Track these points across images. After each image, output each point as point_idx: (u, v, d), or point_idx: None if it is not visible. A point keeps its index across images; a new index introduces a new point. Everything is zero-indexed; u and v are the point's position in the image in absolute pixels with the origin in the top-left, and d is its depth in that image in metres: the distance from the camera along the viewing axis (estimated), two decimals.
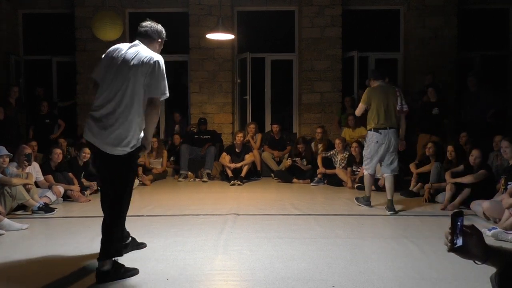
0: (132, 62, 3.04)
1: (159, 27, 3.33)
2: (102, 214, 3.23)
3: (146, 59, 3.04)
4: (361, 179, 7.14)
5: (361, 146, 7.49)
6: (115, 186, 3.10)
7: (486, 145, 6.43)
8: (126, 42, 3.52)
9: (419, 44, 9.11)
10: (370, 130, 5.48)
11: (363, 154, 5.72)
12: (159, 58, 3.10)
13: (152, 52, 3.16)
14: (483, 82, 8.24)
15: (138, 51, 3.11)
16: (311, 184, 7.68)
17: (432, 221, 4.98)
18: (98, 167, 3.55)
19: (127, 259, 3.49)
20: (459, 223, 1.55)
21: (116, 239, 3.13)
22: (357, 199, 5.87)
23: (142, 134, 3.16)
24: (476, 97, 7.87)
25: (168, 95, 3.11)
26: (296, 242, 3.98)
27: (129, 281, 3.03)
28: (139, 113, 3.06)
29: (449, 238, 1.54)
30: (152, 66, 3.02)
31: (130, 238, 3.74)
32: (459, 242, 1.54)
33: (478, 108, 7.80)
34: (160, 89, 3.06)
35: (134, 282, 3.02)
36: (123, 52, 3.12)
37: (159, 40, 3.31)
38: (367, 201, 5.68)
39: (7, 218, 4.56)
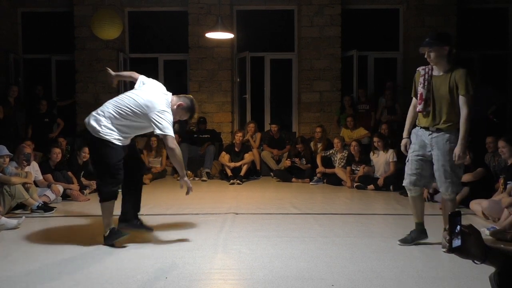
0: None
1: None
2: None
3: None
4: (360, 178, 7.18)
5: (360, 145, 7.52)
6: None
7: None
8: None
9: (419, 43, 9.04)
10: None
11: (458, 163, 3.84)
12: None
13: None
14: (482, 80, 8.24)
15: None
16: (311, 183, 7.68)
17: (431, 220, 4.95)
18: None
19: (126, 258, 3.50)
20: (457, 223, 1.55)
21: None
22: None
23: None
24: (476, 94, 7.87)
25: None
26: (295, 241, 3.99)
27: (129, 280, 3.03)
28: None
29: (447, 238, 1.54)
30: None
31: (138, 220, 4.09)
32: (457, 242, 1.54)
33: (478, 105, 7.79)
34: None
35: (133, 281, 3.03)
36: None
37: None
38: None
39: (4, 217, 4.55)
